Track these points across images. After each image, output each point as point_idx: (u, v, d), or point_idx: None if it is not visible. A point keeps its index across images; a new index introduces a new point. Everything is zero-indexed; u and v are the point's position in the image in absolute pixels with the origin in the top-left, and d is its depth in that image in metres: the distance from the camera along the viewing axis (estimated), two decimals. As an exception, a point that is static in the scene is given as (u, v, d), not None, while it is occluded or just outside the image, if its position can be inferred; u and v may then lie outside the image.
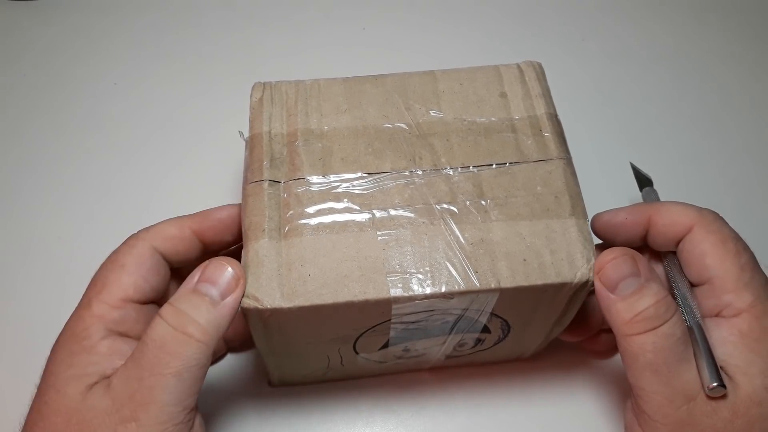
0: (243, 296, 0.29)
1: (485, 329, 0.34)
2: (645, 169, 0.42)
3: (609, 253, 0.31)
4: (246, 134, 0.34)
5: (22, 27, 0.55)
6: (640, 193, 0.42)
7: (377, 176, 0.32)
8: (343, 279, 0.30)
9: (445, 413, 0.40)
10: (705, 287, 0.32)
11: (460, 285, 0.30)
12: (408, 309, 0.30)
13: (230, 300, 0.29)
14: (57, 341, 0.31)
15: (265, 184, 0.32)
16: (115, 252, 0.33)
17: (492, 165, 0.33)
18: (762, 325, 0.30)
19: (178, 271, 0.35)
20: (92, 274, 0.33)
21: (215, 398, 0.40)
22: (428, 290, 0.30)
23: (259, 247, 0.30)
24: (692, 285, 0.33)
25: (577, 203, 0.32)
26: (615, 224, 0.34)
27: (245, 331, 0.35)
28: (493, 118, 0.34)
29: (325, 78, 0.36)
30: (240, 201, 0.32)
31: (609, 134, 0.50)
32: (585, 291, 0.31)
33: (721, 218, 0.33)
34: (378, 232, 0.31)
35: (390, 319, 0.31)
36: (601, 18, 0.57)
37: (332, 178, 0.32)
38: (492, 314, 0.32)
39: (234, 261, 0.30)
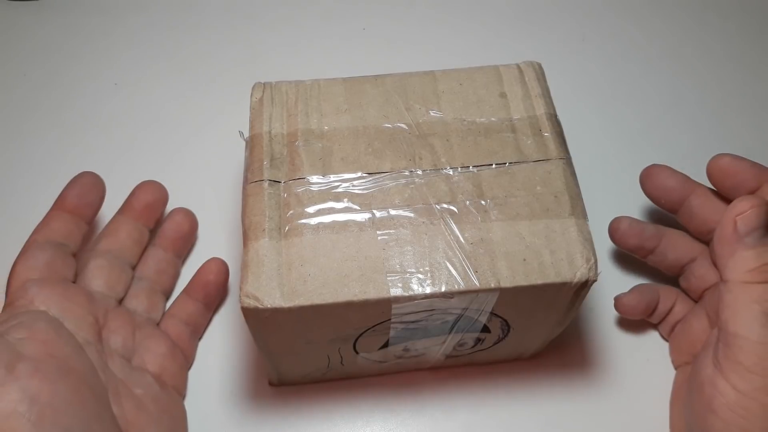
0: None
1: (485, 329, 0.34)
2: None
3: (747, 201, 0.31)
4: (246, 134, 0.34)
5: (22, 27, 0.55)
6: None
7: (377, 176, 0.32)
8: (343, 279, 0.30)
9: (445, 413, 0.40)
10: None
11: (459, 285, 0.30)
12: (408, 309, 0.31)
13: None
14: None
15: (266, 184, 0.32)
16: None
17: (492, 165, 0.33)
18: None
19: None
20: None
21: (215, 398, 0.40)
22: (428, 290, 0.30)
23: (259, 247, 0.30)
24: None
25: (577, 203, 0.32)
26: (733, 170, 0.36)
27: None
28: (492, 118, 0.34)
29: (325, 78, 0.36)
30: (240, 201, 0.33)
31: (609, 134, 0.51)
32: (585, 291, 0.32)
33: None
34: (378, 232, 0.31)
35: (390, 319, 0.31)
36: (601, 18, 0.57)
37: (332, 178, 0.32)
38: (492, 314, 0.32)
39: None
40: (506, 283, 0.30)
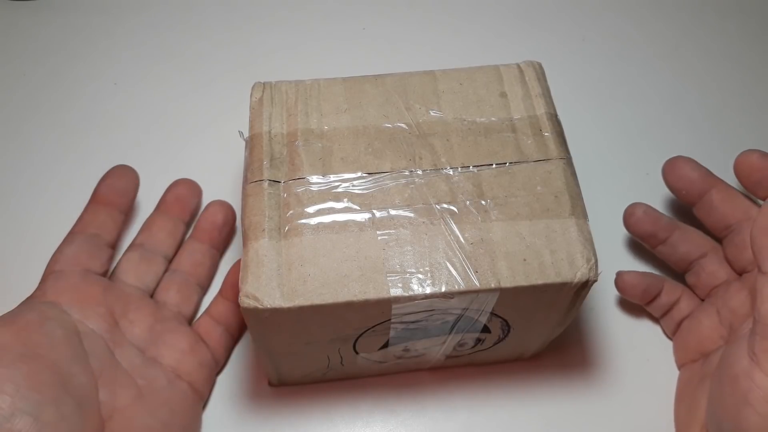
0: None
1: (485, 329, 0.34)
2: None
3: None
4: (246, 134, 0.34)
5: (22, 27, 0.55)
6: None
7: (377, 176, 0.32)
8: (343, 279, 0.30)
9: (445, 413, 0.40)
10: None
11: (460, 285, 0.30)
12: (408, 309, 0.30)
13: None
14: None
15: (265, 184, 0.32)
16: None
17: (492, 165, 0.33)
18: None
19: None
20: None
21: (215, 398, 0.40)
22: (428, 290, 0.30)
23: (259, 247, 0.30)
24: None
25: (577, 203, 0.32)
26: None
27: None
28: (493, 118, 0.34)
29: (325, 78, 0.36)
30: (239, 201, 0.33)
31: (609, 134, 0.50)
32: (585, 291, 0.31)
33: None
34: (378, 232, 0.31)
35: (390, 319, 0.31)
36: (601, 18, 0.57)
37: (332, 177, 0.32)
38: (492, 314, 0.32)
39: None
40: (506, 284, 0.30)
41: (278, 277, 0.29)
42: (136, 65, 0.54)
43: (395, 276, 0.30)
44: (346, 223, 0.31)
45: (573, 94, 0.52)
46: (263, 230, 0.30)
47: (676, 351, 0.40)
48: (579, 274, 0.30)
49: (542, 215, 0.31)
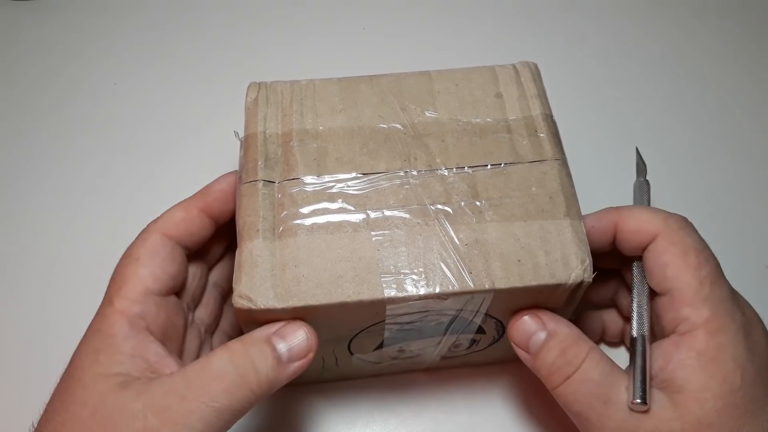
0: (306, 365, 0.30)
1: (480, 330, 0.34)
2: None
3: (516, 317, 0.32)
4: (241, 134, 0.34)
5: (22, 27, 0.56)
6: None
7: (372, 177, 0.32)
8: (337, 279, 0.29)
9: (445, 413, 0.40)
10: (666, 298, 0.31)
11: (454, 286, 0.30)
12: (402, 310, 0.30)
13: (295, 366, 0.30)
14: (83, 339, 0.31)
15: (260, 184, 0.32)
16: (129, 247, 0.33)
17: (487, 165, 0.33)
18: (717, 342, 0.29)
19: (198, 254, 0.35)
20: (91, 272, 0.33)
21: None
22: (422, 291, 0.29)
23: (253, 247, 0.30)
24: (655, 294, 0.32)
25: (572, 204, 0.32)
26: None
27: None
28: (488, 119, 0.34)
29: (320, 78, 0.36)
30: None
31: (607, 134, 0.50)
32: (580, 292, 0.31)
33: (689, 226, 0.32)
34: (372, 233, 0.31)
35: (384, 320, 0.31)
36: (601, 18, 0.57)
37: (327, 178, 0.32)
38: (487, 315, 0.32)
39: (309, 328, 0.30)
40: (501, 285, 0.30)
41: (272, 277, 0.29)
42: (136, 66, 0.54)
43: (389, 277, 0.30)
44: (340, 223, 0.31)
45: (573, 94, 0.52)
46: (257, 231, 0.30)
47: None
48: (573, 275, 0.30)
49: (537, 216, 0.31)
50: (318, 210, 0.31)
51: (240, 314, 0.30)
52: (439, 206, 0.31)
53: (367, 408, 0.40)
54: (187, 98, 0.52)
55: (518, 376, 0.41)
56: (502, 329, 0.34)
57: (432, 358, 0.38)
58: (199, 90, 0.52)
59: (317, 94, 0.35)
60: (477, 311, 0.32)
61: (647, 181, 0.40)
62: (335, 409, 0.40)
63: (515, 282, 0.30)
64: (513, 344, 0.32)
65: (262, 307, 0.29)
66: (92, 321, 0.31)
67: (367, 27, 0.56)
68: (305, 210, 0.31)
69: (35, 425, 0.30)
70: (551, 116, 0.35)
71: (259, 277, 0.29)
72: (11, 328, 0.42)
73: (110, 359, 0.29)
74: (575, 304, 0.33)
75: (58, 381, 0.30)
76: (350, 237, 0.31)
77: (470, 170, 0.33)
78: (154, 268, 0.32)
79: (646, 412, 0.29)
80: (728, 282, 0.31)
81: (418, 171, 0.33)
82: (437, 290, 0.29)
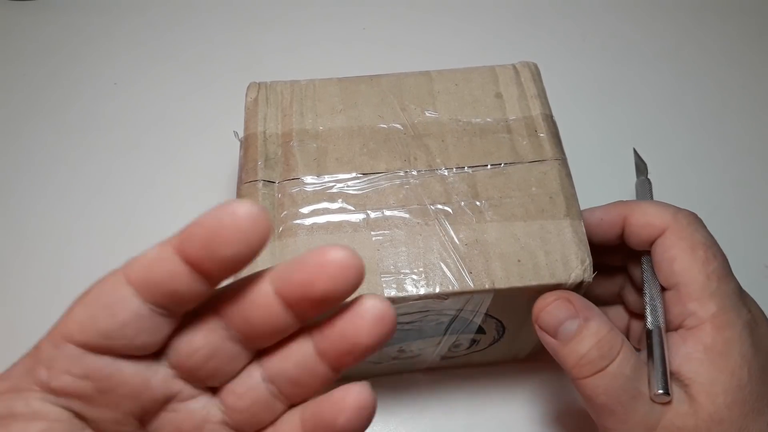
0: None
1: (480, 330, 0.34)
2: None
3: (543, 299, 0.30)
4: (241, 134, 0.34)
5: (22, 27, 0.56)
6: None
7: (372, 176, 0.32)
8: (337, 279, 0.29)
9: (445, 413, 0.40)
10: (672, 293, 0.31)
11: (454, 285, 0.30)
12: (402, 309, 0.30)
13: None
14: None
15: (260, 185, 0.32)
16: None
17: (487, 166, 0.33)
18: (724, 337, 0.29)
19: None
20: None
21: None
22: (422, 291, 0.29)
23: (252, 248, 0.30)
24: (663, 288, 0.32)
25: (572, 204, 0.32)
26: (590, 224, 0.34)
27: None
28: (488, 119, 0.34)
29: (320, 78, 0.36)
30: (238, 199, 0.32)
31: (608, 134, 0.50)
32: (580, 292, 0.31)
33: (697, 221, 0.32)
34: (372, 233, 0.31)
35: (384, 320, 0.31)
36: (601, 17, 0.57)
37: (327, 178, 0.32)
38: (486, 315, 0.32)
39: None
40: (501, 284, 0.30)
41: (272, 277, 0.29)
42: (136, 66, 0.54)
43: (389, 276, 0.30)
44: (340, 223, 0.31)
45: (572, 94, 0.52)
46: (257, 231, 0.30)
47: None
48: (573, 275, 0.30)
49: (537, 216, 0.31)
50: (318, 210, 0.31)
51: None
52: (439, 206, 0.31)
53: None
54: (187, 98, 0.52)
55: (518, 376, 0.40)
56: (502, 329, 0.34)
57: (432, 358, 0.38)
58: (199, 90, 0.52)
59: (317, 94, 0.35)
60: (477, 311, 0.32)
61: (649, 179, 0.40)
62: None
63: (515, 282, 0.30)
64: (537, 328, 0.31)
65: (262, 307, 0.29)
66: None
67: (367, 27, 0.56)
68: (305, 210, 0.31)
69: None
70: (551, 116, 0.35)
71: (259, 277, 0.29)
72: (11, 328, 0.42)
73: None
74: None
75: None
76: (350, 237, 0.31)
77: (470, 170, 0.33)
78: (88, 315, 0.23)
79: (668, 403, 0.29)
80: (736, 279, 0.31)
81: (418, 171, 0.33)
82: (437, 290, 0.29)
